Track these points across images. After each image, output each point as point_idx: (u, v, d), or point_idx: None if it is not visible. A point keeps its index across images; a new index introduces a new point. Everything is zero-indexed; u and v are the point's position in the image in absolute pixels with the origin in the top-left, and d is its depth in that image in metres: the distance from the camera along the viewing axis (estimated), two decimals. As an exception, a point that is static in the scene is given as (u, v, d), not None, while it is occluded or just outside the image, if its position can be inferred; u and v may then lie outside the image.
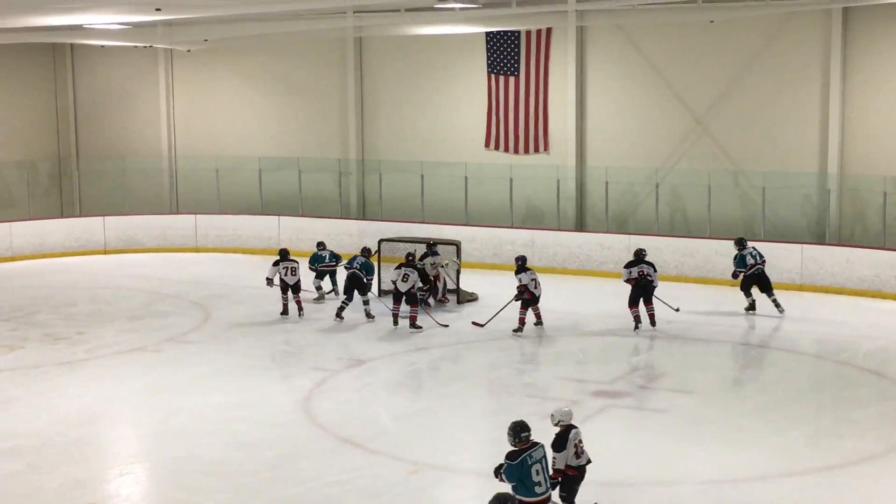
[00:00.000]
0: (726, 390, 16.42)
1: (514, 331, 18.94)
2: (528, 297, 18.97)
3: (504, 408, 15.14)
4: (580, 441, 10.42)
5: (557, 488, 10.14)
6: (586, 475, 10.54)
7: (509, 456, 9.47)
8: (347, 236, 26.33)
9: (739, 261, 20.23)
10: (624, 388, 15.88)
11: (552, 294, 20.75)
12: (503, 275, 24.08)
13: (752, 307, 20.45)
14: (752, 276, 20.25)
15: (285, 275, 20.20)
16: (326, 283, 21.91)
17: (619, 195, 25.71)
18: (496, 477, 9.69)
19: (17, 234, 27.13)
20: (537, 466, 9.44)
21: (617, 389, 15.79)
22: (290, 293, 20.27)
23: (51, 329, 19.83)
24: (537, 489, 9.41)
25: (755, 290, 20.37)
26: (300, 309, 20.32)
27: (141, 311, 20.99)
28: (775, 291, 20.37)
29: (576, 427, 10.45)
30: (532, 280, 18.96)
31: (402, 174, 27.48)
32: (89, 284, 23.87)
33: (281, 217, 27.81)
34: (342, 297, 20.21)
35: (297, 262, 20.41)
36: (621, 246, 24.12)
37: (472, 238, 25.02)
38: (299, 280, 20.35)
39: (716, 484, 12.11)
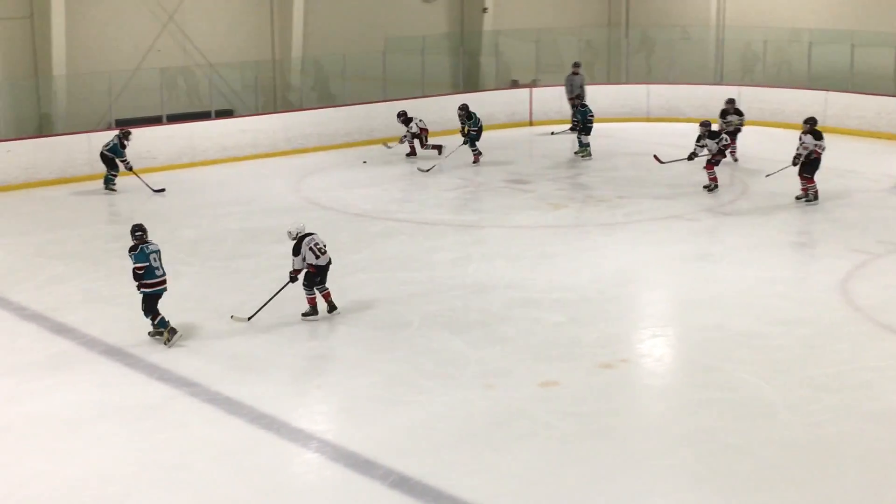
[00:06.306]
0: None
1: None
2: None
3: None
4: (316, 244, 13.08)
5: (301, 281, 13.25)
6: None
7: (131, 249, 12.41)
8: (900, 115, 24.79)
9: None
10: None
11: None
12: None
13: None
14: None
15: None
16: None
17: None
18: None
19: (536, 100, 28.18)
20: (155, 255, 12.39)
21: None
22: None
23: (593, 191, 20.61)
24: (157, 272, 12.43)
25: None
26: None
27: (681, 180, 21.12)
28: None
29: (311, 234, 13.12)
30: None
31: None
32: (631, 150, 24.40)
33: (829, 93, 26.69)
34: None
35: None
36: None
37: None
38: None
39: None
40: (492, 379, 11.62)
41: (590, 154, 23.51)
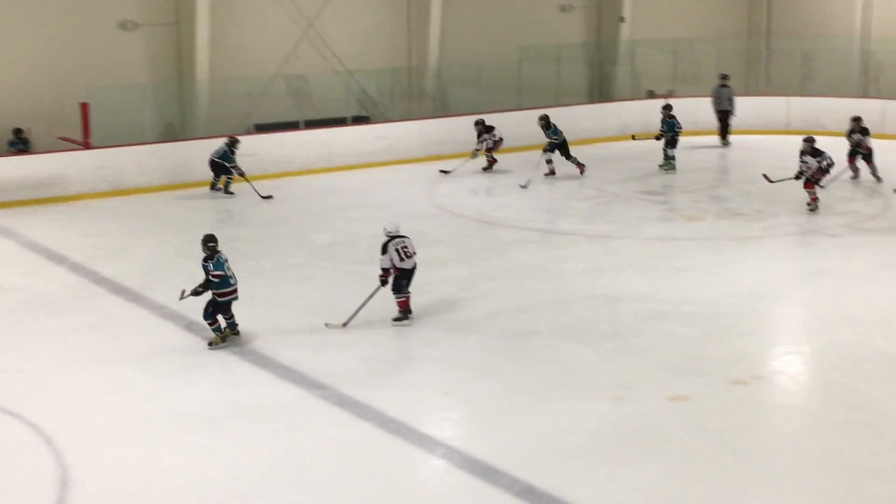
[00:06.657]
0: None
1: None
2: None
3: None
4: (404, 247, 13.22)
5: (389, 284, 13.32)
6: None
7: (207, 258, 12.75)
8: None
9: None
10: None
11: None
12: None
13: None
14: None
15: None
16: None
17: None
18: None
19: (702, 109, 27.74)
20: (227, 264, 12.79)
21: None
22: None
23: (729, 204, 20.27)
24: (231, 280, 12.79)
25: None
26: None
27: (820, 194, 20.58)
28: None
29: (403, 237, 13.28)
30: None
31: None
32: (769, 164, 23.90)
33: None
34: None
35: None
36: None
37: None
38: None
39: None
40: (620, 391, 11.51)
41: (674, 168, 23.10)
